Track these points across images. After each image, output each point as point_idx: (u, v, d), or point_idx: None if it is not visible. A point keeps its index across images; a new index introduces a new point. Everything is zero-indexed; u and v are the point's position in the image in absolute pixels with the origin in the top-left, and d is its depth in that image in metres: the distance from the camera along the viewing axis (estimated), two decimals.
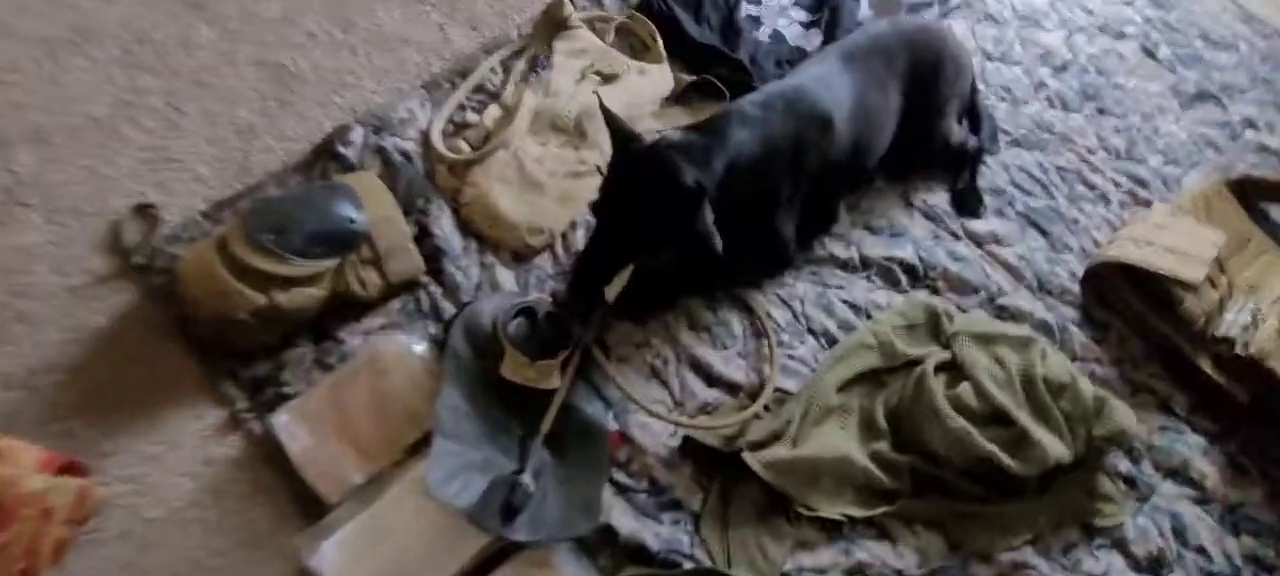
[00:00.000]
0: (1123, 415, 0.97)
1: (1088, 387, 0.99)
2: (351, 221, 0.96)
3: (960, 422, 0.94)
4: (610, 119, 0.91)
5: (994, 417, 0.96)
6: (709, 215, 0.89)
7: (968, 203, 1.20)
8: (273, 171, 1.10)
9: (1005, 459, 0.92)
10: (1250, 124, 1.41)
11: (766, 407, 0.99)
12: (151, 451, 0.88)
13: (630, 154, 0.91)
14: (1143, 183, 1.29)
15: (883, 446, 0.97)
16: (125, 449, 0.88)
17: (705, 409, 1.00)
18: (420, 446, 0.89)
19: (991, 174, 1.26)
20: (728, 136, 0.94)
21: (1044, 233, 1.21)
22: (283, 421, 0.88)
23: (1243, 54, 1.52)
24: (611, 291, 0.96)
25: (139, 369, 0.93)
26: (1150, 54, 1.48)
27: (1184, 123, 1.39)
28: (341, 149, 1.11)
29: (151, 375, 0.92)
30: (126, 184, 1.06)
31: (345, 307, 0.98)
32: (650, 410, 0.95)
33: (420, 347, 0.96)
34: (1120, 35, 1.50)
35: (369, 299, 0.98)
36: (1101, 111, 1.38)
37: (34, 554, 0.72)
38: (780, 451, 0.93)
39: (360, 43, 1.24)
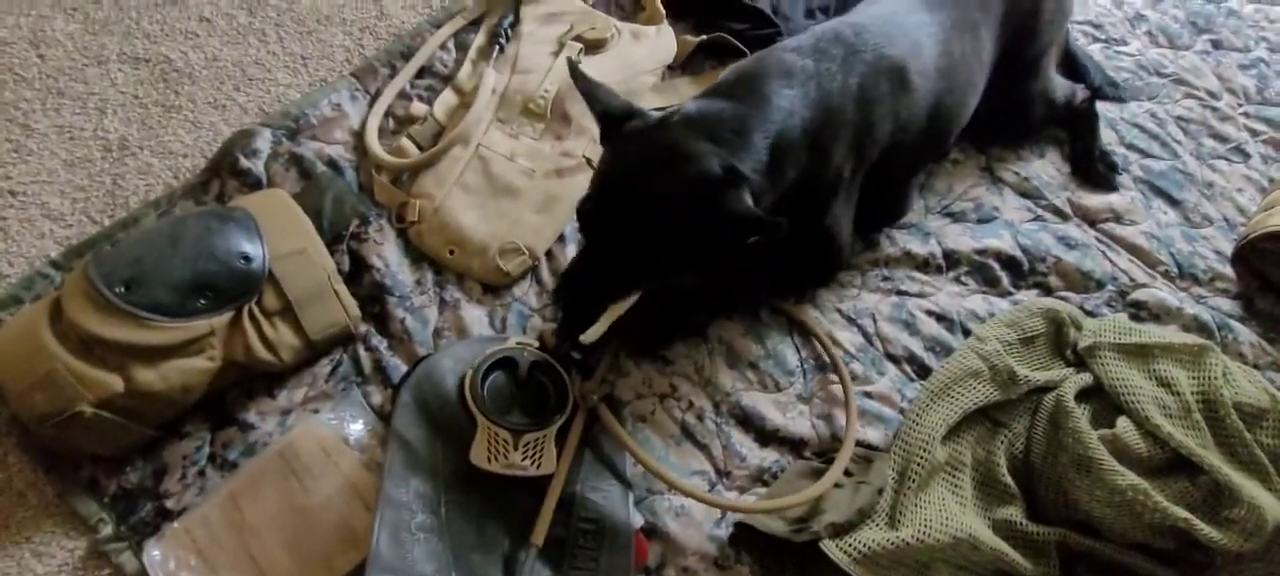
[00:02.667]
0: None
1: None
2: (246, 259, 0.68)
3: (1130, 478, 0.66)
4: (589, 90, 0.65)
5: (1171, 464, 0.68)
6: (748, 199, 0.61)
7: (1095, 172, 0.92)
8: (153, 198, 0.82)
9: (1205, 527, 0.64)
10: None
11: (847, 471, 0.71)
12: None
13: (627, 137, 0.64)
14: None
15: (1015, 514, 0.69)
16: None
17: (761, 478, 0.72)
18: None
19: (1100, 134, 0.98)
20: (768, 100, 0.66)
21: (1175, 202, 0.94)
22: (156, 558, 0.60)
23: None
24: (596, 330, 0.68)
25: None
26: None
27: None
28: (244, 161, 0.83)
29: None
30: None
31: (250, 378, 0.70)
32: (687, 489, 0.67)
33: (357, 428, 0.68)
34: None
35: (283, 365, 0.70)
36: (1217, 45, 1.10)
37: None
38: (875, 535, 0.66)
39: (270, 26, 0.97)
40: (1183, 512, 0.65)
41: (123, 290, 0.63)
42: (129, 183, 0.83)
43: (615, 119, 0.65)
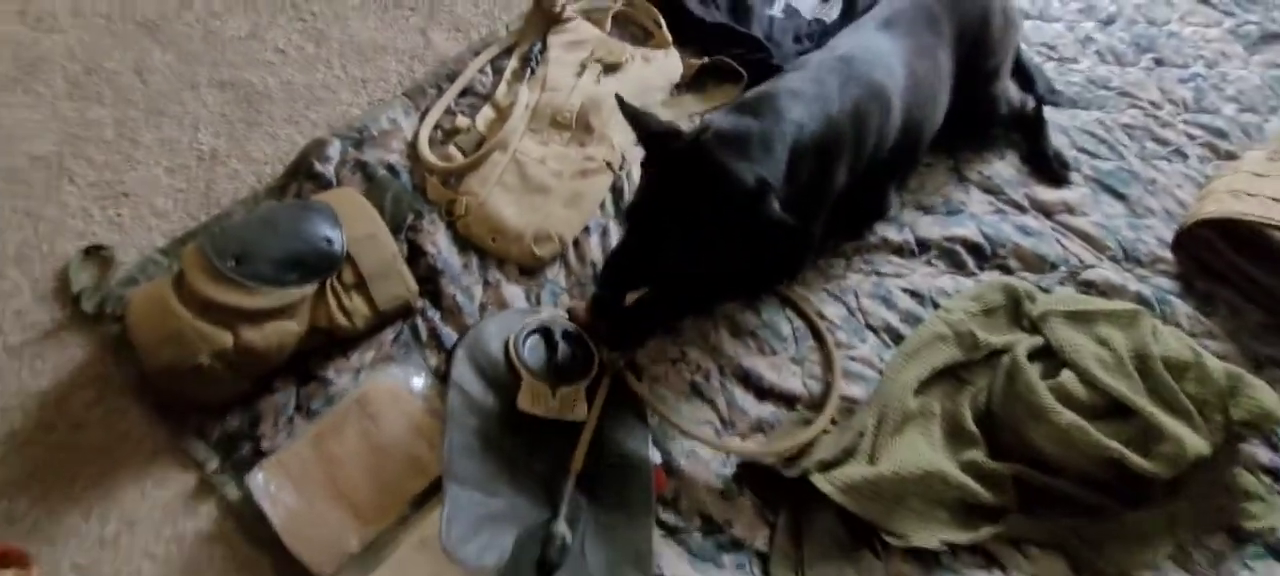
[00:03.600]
0: (1263, 394, 0.81)
1: (1216, 364, 0.83)
2: (329, 242, 0.82)
3: (1071, 417, 0.78)
4: (635, 115, 0.77)
5: (1110, 409, 0.80)
6: (777, 208, 0.72)
7: (1049, 170, 1.06)
8: (241, 198, 0.97)
9: (1134, 458, 0.76)
10: None
11: (833, 420, 0.84)
12: (107, 531, 0.73)
13: (673, 155, 0.75)
14: (1221, 133, 1.15)
15: (977, 454, 0.81)
16: (75, 531, 0.73)
17: (760, 428, 0.84)
18: (425, 499, 0.74)
19: (1051, 138, 1.12)
20: (785, 116, 0.79)
21: (1120, 196, 1.07)
22: (260, 482, 0.73)
23: None
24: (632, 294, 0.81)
25: (90, 435, 0.78)
26: None
27: (1253, 67, 1.25)
28: (318, 166, 0.98)
29: (105, 441, 0.78)
30: (75, 225, 0.93)
31: (330, 343, 0.83)
32: (697, 435, 0.80)
33: (419, 382, 0.81)
34: None
35: (356, 331, 0.83)
36: (1160, 62, 1.24)
37: None
38: (856, 471, 0.78)
39: (334, 55, 1.13)
40: (1116, 445, 0.76)
41: (233, 264, 0.77)
42: (220, 186, 0.98)
43: (659, 138, 0.76)
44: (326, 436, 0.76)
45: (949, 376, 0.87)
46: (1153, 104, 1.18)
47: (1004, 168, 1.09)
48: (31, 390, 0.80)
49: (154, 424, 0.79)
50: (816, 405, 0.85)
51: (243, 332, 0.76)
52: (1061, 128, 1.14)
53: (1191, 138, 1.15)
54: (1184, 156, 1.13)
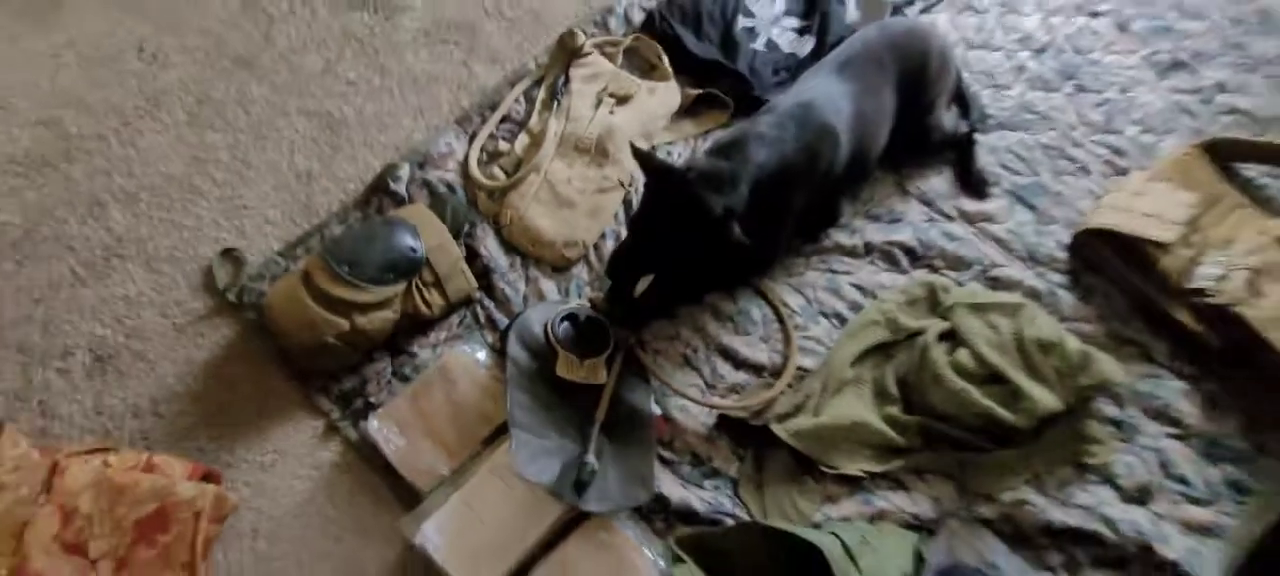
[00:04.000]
0: (1106, 366, 1.09)
1: (1074, 344, 1.11)
2: (413, 250, 1.10)
3: (960, 384, 1.06)
4: (641, 156, 1.02)
5: (990, 377, 1.08)
6: (738, 231, 1.00)
7: (974, 185, 1.31)
8: (333, 210, 1.23)
9: (1002, 412, 1.05)
10: (1222, 88, 1.51)
11: (790, 384, 1.12)
12: (266, 460, 1.03)
13: (666, 185, 1.02)
14: (1121, 152, 1.40)
15: (894, 410, 1.10)
16: (243, 459, 1.02)
17: (734, 389, 1.13)
18: (491, 439, 1.03)
19: (980, 156, 1.37)
20: (749, 158, 1.05)
21: (1031, 207, 1.33)
22: (376, 427, 1.02)
23: (1214, 21, 1.61)
24: (640, 287, 1.09)
25: (245, 391, 1.07)
26: (1124, 29, 1.58)
27: (1159, 92, 1.49)
28: (392, 184, 1.24)
29: (256, 396, 1.07)
30: (209, 232, 1.20)
31: (413, 326, 1.11)
32: (687, 395, 1.09)
33: (482, 355, 1.10)
34: (1095, 13, 1.59)
35: (433, 317, 1.12)
36: (1081, 89, 1.48)
37: (191, 549, 0.86)
38: (804, 421, 1.06)
39: (396, 85, 1.37)
40: (989, 402, 1.05)
41: (347, 269, 1.05)
42: (316, 200, 1.24)
43: (660, 171, 1.02)
44: (419, 394, 1.05)
45: (878, 352, 1.15)
46: (1069, 126, 1.43)
47: (940, 183, 1.34)
48: (197, 360, 1.09)
49: (290, 384, 1.08)
50: (777, 373, 1.14)
51: (356, 319, 1.04)
52: (991, 148, 1.39)
53: (1097, 156, 1.40)
54: (1088, 173, 1.38)
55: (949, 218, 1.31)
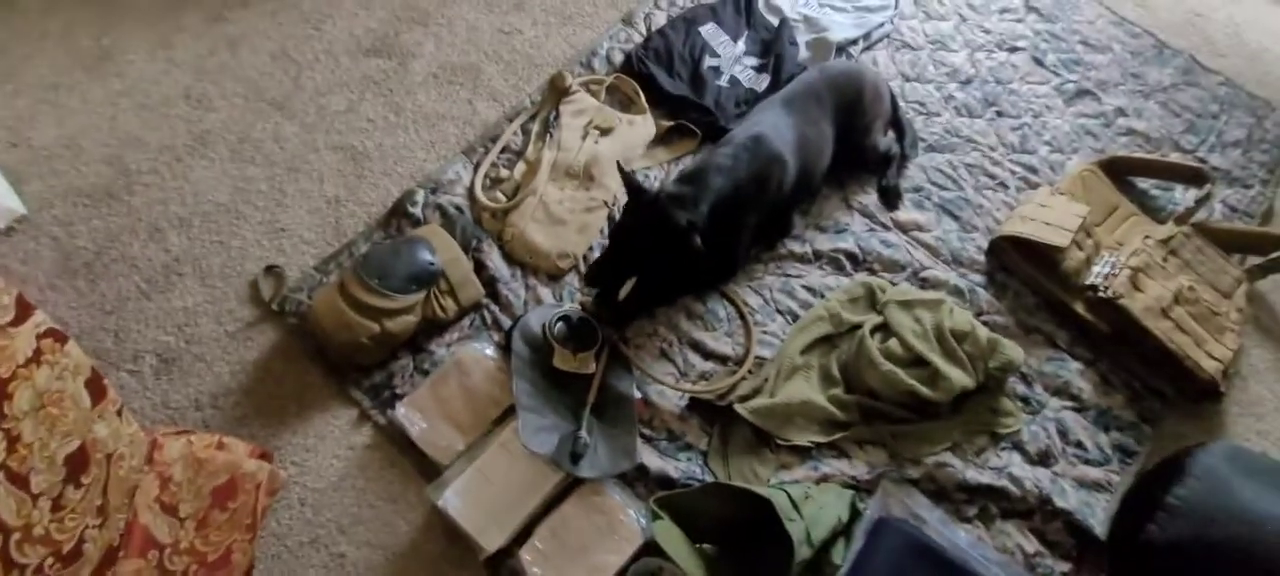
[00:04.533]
0: (1011, 350, 1.32)
1: (984, 332, 1.33)
2: (431, 263, 1.30)
3: (889, 367, 1.28)
4: (624, 176, 1.24)
5: (915, 361, 1.30)
6: (698, 242, 1.21)
7: (890, 197, 1.54)
8: (360, 231, 1.43)
9: (924, 390, 1.27)
10: (1121, 112, 1.76)
11: (749, 371, 1.33)
12: (308, 443, 1.22)
13: (642, 203, 1.24)
14: (1033, 170, 1.63)
15: (837, 391, 1.31)
16: (289, 443, 1.21)
17: (703, 376, 1.34)
18: (500, 421, 1.23)
19: (913, 175, 1.60)
20: (708, 184, 1.27)
21: (956, 218, 1.56)
22: (402, 412, 1.22)
23: (1116, 53, 1.86)
24: (623, 292, 1.30)
25: (289, 386, 1.26)
26: (1039, 62, 1.82)
27: (1067, 116, 1.73)
28: (410, 208, 1.45)
29: (298, 389, 1.26)
30: (253, 251, 1.39)
31: (431, 328, 1.31)
32: (662, 381, 1.29)
33: (489, 351, 1.30)
34: (1014, 49, 1.84)
35: (447, 320, 1.32)
36: (1000, 114, 1.72)
37: (253, 514, 1.05)
38: (762, 401, 1.27)
39: (409, 122, 1.58)
40: (914, 382, 1.26)
41: (377, 281, 1.25)
42: (345, 222, 1.44)
43: (638, 191, 1.23)
44: (438, 384, 1.25)
45: (824, 342, 1.37)
46: (990, 147, 1.66)
47: (877, 199, 1.57)
48: (248, 360, 1.28)
49: (328, 379, 1.27)
50: (739, 362, 1.35)
51: (385, 322, 1.24)
52: (922, 166, 1.62)
53: (1013, 173, 1.63)
54: (1006, 187, 1.61)
55: (886, 228, 1.53)
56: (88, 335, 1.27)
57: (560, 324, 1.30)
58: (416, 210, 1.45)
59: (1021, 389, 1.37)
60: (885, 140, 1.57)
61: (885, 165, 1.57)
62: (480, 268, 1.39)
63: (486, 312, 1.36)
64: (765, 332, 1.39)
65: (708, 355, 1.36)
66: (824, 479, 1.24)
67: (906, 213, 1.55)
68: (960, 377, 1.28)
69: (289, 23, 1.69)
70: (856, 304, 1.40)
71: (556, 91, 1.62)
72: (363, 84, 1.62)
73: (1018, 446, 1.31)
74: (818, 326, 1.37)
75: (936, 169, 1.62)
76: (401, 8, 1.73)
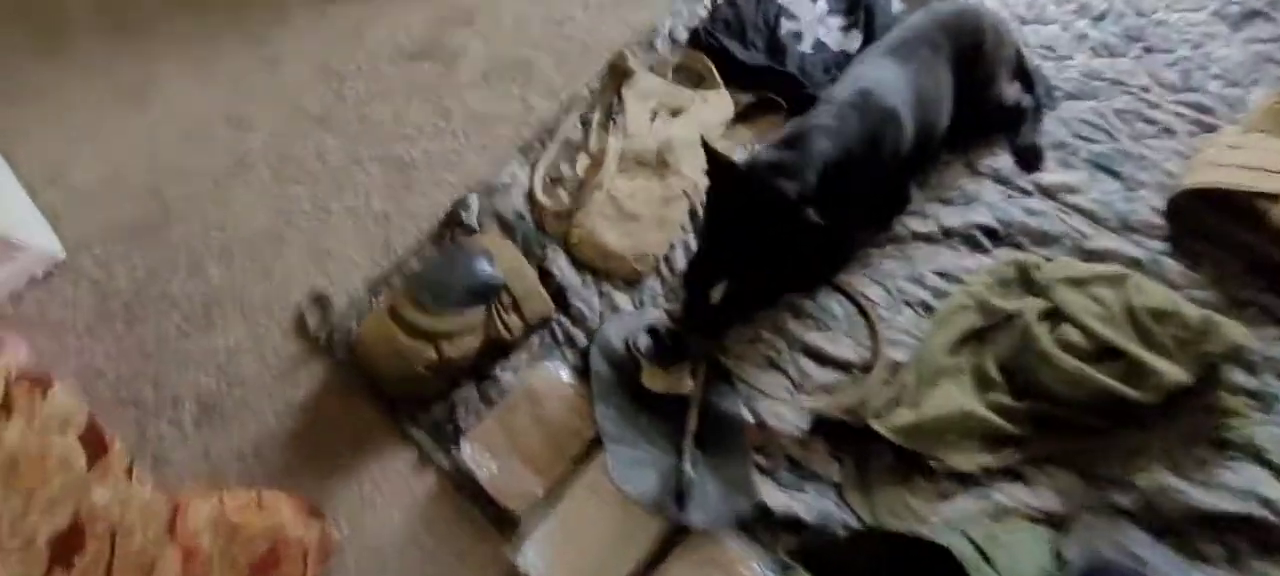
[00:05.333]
0: (1232, 330, 1.01)
1: (1191, 310, 1.03)
2: (491, 276, 1.12)
3: (1073, 363, 0.99)
4: (708, 151, 1.02)
5: (1103, 353, 1.01)
6: (814, 215, 0.98)
7: (1029, 158, 1.26)
8: (410, 247, 1.27)
9: (1125, 389, 0.98)
10: None
11: (884, 380, 1.08)
12: (364, 493, 1.04)
13: (735, 179, 1.01)
14: (1206, 109, 1.32)
15: (999, 396, 1.03)
16: (342, 496, 1.04)
17: (824, 388, 1.09)
18: (584, 457, 1.02)
19: (1051, 130, 1.32)
20: (812, 148, 1.04)
21: (1115, 174, 1.26)
22: (468, 452, 1.02)
23: None
24: (716, 293, 1.07)
25: (341, 428, 1.09)
26: None
27: (1235, 44, 1.41)
28: (464, 217, 1.28)
29: (352, 432, 1.09)
30: (298, 277, 1.25)
31: (495, 350, 1.12)
32: (776, 397, 1.05)
33: (565, 374, 1.10)
34: None
35: (513, 340, 1.12)
36: (1149, 50, 1.42)
37: None
38: (906, 415, 1.01)
39: (459, 127, 1.43)
40: (1107, 380, 0.98)
41: (431, 300, 1.07)
42: (394, 238, 1.29)
43: (729, 167, 1.01)
44: (507, 415, 1.05)
45: (973, 337, 1.10)
46: (1142, 88, 1.37)
47: (1011, 160, 1.30)
48: (295, 401, 1.12)
49: (383, 417, 1.10)
50: (867, 368, 1.09)
51: (442, 346, 1.06)
52: (1061, 119, 1.33)
53: (1180, 116, 1.32)
54: (1172, 133, 1.31)
55: (1026, 193, 1.26)
56: (126, 383, 1.14)
57: (645, 336, 1.08)
58: (470, 219, 1.28)
59: (1242, 379, 1.05)
60: (1012, 91, 1.30)
61: (1017, 121, 1.30)
62: (546, 277, 1.19)
63: (557, 328, 1.16)
64: (892, 330, 1.13)
65: (825, 361, 1.11)
66: (1001, 512, 0.96)
67: (1053, 174, 1.26)
68: (1172, 370, 0.98)
69: (329, 35, 1.58)
70: (1008, 287, 1.13)
71: (617, 75, 1.43)
72: (408, 90, 1.48)
73: (1256, 455, 0.99)
74: (963, 318, 1.10)
75: (1080, 119, 1.33)
76: (446, 7, 1.60)
